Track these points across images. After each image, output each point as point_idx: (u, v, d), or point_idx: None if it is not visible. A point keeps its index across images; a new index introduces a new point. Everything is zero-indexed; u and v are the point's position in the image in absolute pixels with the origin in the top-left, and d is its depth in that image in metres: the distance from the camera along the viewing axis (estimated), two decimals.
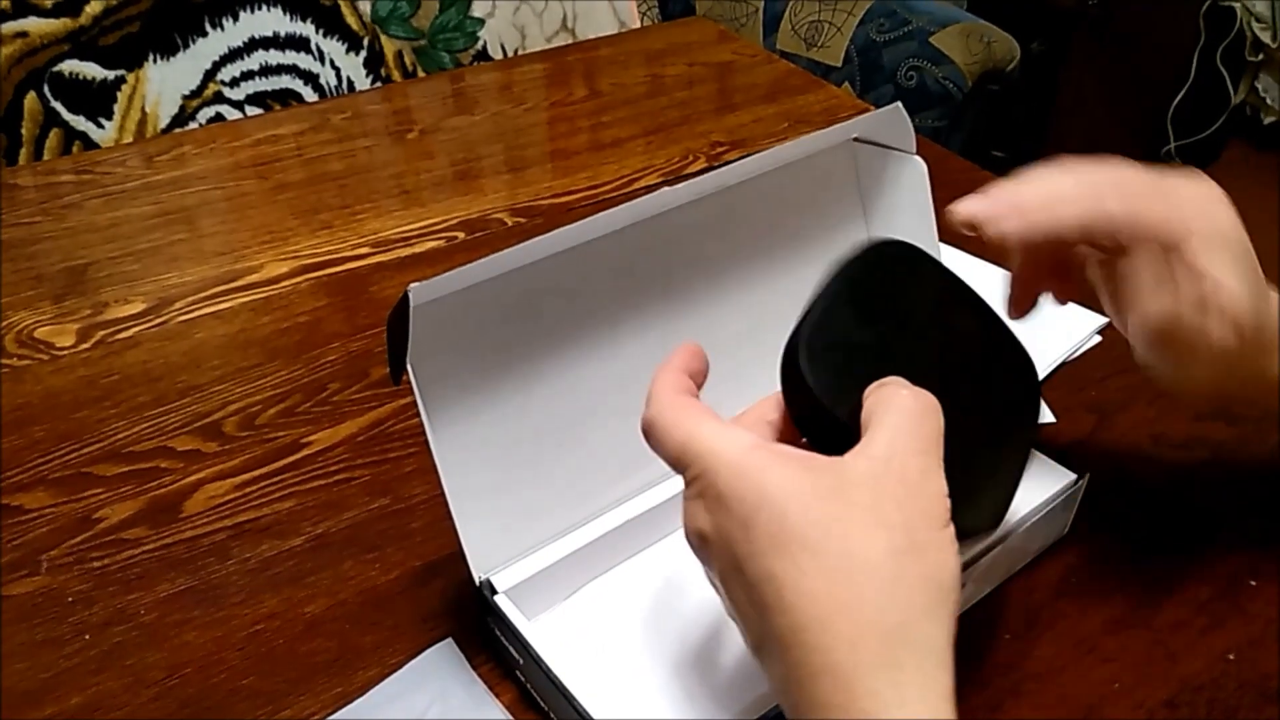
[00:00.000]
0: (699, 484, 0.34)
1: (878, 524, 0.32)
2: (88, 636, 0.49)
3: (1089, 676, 0.47)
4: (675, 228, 0.48)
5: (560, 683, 0.42)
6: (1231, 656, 0.48)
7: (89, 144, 1.08)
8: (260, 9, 1.15)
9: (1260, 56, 2.32)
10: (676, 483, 0.41)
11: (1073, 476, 0.51)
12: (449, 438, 0.43)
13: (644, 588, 0.49)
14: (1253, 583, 0.51)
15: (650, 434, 0.37)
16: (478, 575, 0.45)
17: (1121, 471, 0.57)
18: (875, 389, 0.36)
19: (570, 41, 1.25)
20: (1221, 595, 0.51)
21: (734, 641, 0.45)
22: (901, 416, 0.34)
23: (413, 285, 0.39)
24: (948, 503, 0.33)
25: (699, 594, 0.47)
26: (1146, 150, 2.30)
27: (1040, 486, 0.51)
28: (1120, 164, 0.43)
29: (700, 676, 0.44)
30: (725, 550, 0.33)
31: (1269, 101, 2.36)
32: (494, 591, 0.45)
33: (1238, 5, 2.24)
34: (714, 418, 0.36)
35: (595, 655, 0.46)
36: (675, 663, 0.45)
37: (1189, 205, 0.42)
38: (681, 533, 0.36)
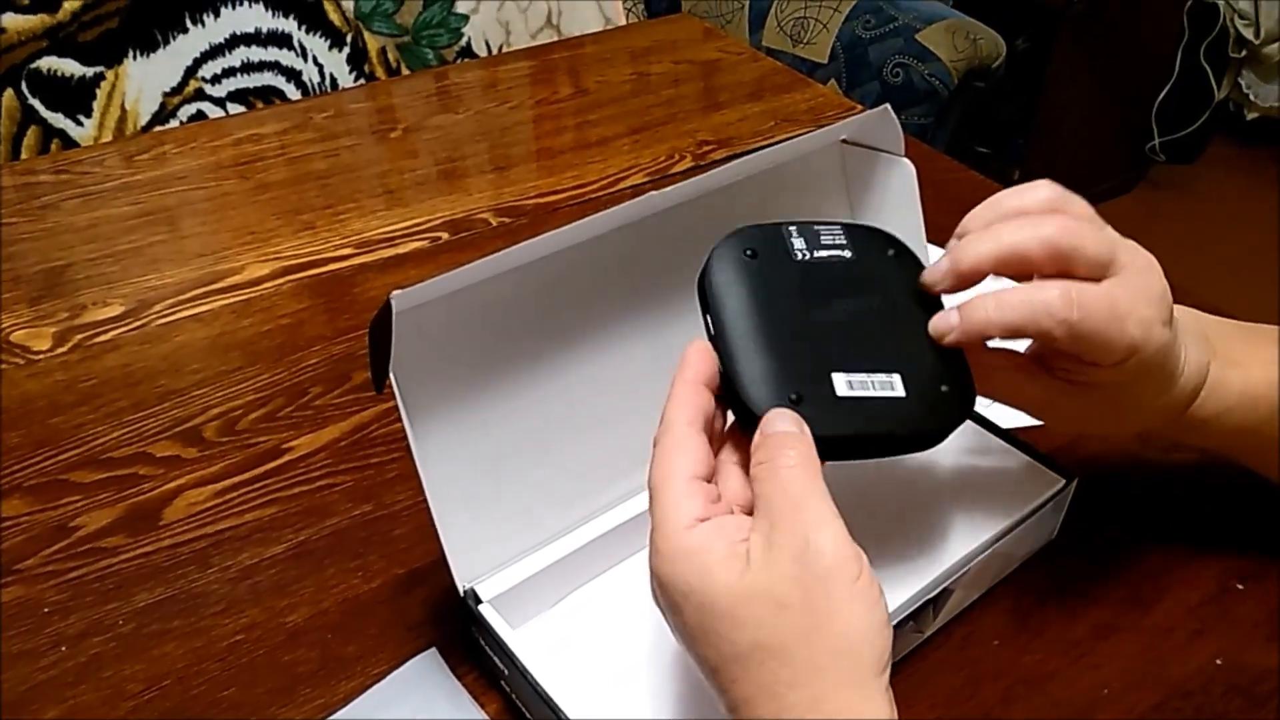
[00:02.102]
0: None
1: (780, 607, 0.33)
2: (64, 648, 0.48)
3: (1078, 682, 0.47)
4: (662, 231, 0.48)
5: (545, 693, 0.41)
6: (1220, 661, 0.48)
7: (68, 142, 1.07)
8: (242, 5, 1.13)
9: (1243, 53, 2.33)
10: None
11: (1061, 481, 0.51)
12: (432, 446, 0.43)
13: (629, 596, 0.48)
14: (1240, 587, 0.51)
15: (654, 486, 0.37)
16: (462, 584, 0.45)
17: (1110, 475, 0.56)
18: (758, 463, 0.36)
19: (555, 38, 1.24)
20: (1210, 600, 0.51)
21: None
22: (783, 499, 0.35)
23: (395, 292, 0.38)
24: (849, 554, 0.34)
25: None
26: (1131, 146, 2.31)
27: (1029, 491, 0.50)
28: None
29: (685, 685, 0.44)
30: (670, 618, 0.37)
31: (1252, 97, 2.37)
32: (478, 600, 0.44)
33: (1221, 2, 2.25)
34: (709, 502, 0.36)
35: (581, 664, 0.45)
36: (660, 672, 0.45)
37: None
38: None
